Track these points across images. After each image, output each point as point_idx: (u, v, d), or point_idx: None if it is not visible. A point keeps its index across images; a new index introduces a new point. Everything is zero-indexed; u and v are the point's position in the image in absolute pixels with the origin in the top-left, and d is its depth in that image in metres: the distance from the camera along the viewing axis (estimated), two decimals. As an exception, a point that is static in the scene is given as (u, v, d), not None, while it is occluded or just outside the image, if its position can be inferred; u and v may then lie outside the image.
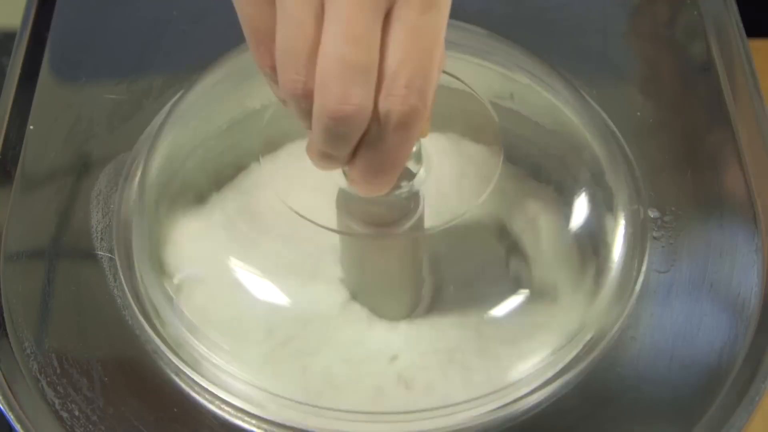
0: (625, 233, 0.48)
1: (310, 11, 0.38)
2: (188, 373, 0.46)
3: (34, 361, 0.46)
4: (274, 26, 0.39)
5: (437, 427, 0.45)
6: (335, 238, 0.47)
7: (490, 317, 0.47)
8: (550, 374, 0.45)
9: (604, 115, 0.53)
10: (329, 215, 0.46)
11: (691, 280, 0.48)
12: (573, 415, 0.45)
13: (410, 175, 0.45)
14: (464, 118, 0.51)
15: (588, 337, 0.46)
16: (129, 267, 0.48)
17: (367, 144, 0.39)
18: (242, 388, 0.45)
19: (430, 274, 0.48)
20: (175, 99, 0.52)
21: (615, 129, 0.52)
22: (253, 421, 0.45)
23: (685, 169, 0.51)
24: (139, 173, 0.51)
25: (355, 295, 0.48)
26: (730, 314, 0.47)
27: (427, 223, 0.46)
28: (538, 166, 0.52)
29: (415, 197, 0.46)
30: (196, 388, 0.45)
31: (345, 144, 0.39)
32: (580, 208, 0.50)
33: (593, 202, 0.50)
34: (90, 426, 0.44)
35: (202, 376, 0.46)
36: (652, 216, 0.50)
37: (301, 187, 0.47)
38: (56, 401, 0.45)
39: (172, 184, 0.51)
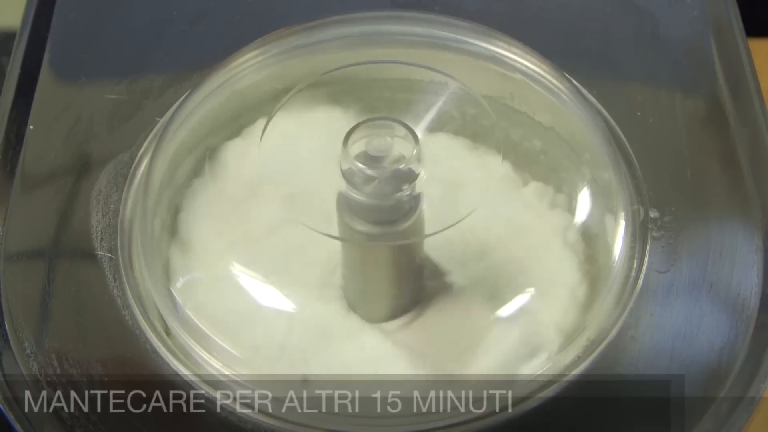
0: (625, 233, 0.48)
1: None
2: (188, 373, 0.46)
3: (34, 361, 0.46)
4: None
5: (437, 427, 0.45)
6: (336, 242, 0.47)
7: (491, 319, 0.47)
8: (550, 375, 0.45)
9: (606, 114, 0.53)
10: (330, 217, 0.46)
11: (691, 280, 0.48)
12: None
13: (411, 177, 0.45)
14: (464, 119, 0.51)
15: (588, 337, 0.46)
16: (131, 267, 0.48)
17: None
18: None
19: (430, 277, 0.48)
20: (181, 100, 0.52)
21: (616, 128, 0.52)
22: (253, 422, 0.45)
23: (685, 169, 0.51)
24: (141, 174, 0.51)
25: (355, 299, 0.48)
26: (730, 314, 0.47)
27: (428, 225, 0.46)
28: (538, 166, 0.52)
29: (415, 199, 0.46)
30: (197, 388, 0.45)
31: None
32: (581, 208, 0.50)
33: (593, 202, 0.50)
34: (90, 426, 0.44)
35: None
36: (652, 216, 0.50)
37: (301, 189, 0.47)
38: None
39: (174, 186, 0.51)
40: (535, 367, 0.46)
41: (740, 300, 0.47)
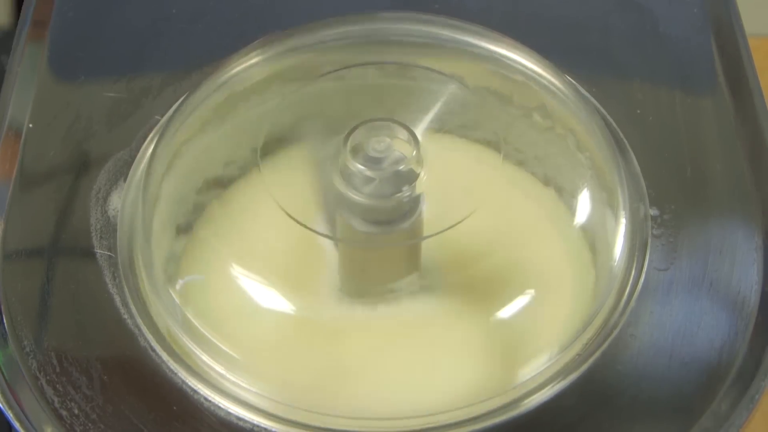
0: (626, 231, 0.48)
1: None
2: (188, 371, 0.46)
3: (33, 359, 0.46)
4: None
5: (438, 427, 0.45)
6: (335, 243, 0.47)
7: (491, 319, 0.47)
8: (550, 373, 0.45)
9: (605, 113, 0.53)
10: (329, 218, 0.46)
11: (691, 278, 0.48)
12: (573, 413, 0.45)
13: (411, 178, 0.45)
14: (463, 119, 0.51)
15: (588, 335, 0.46)
16: (130, 266, 0.48)
17: None
18: (242, 388, 0.45)
19: (431, 277, 0.48)
20: (181, 100, 0.52)
21: (616, 127, 0.52)
22: (253, 421, 0.45)
23: (685, 167, 0.51)
24: (140, 172, 0.51)
25: (355, 300, 0.48)
26: (730, 312, 0.47)
27: (428, 225, 0.46)
28: (538, 166, 0.52)
29: (415, 200, 0.46)
30: (196, 387, 0.45)
31: None
32: (581, 207, 0.50)
33: (594, 200, 0.50)
34: (89, 424, 0.44)
35: (202, 375, 0.46)
36: (652, 214, 0.50)
37: (301, 190, 0.47)
38: (55, 399, 0.45)
39: (174, 186, 0.51)
40: (536, 366, 0.46)
41: (740, 298, 0.47)
